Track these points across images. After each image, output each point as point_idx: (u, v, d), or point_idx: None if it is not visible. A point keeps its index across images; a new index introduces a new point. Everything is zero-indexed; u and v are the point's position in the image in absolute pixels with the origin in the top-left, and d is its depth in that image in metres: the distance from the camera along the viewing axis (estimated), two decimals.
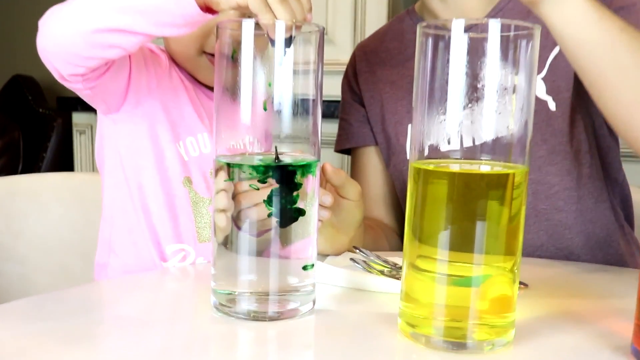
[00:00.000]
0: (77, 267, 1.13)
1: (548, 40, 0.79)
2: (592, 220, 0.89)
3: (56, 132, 2.23)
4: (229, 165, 0.56)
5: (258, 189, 0.54)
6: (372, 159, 1.04)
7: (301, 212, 0.56)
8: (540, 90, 0.88)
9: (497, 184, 0.50)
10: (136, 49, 0.71)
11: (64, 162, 2.25)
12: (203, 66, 0.87)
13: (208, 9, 0.65)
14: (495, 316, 0.51)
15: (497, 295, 0.51)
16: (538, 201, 0.88)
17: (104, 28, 0.67)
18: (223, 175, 0.56)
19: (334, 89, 1.14)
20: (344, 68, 1.09)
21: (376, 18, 1.79)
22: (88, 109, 2.15)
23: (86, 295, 0.65)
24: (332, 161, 0.74)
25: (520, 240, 0.51)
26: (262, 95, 0.55)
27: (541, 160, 0.88)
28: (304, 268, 0.57)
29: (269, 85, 0.54)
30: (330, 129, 1.07)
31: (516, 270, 0.51)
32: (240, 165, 0.56)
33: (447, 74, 0.49)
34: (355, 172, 1.07)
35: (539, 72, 0.88)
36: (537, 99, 0.86)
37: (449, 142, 0.50)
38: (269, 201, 0.55)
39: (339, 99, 1.09)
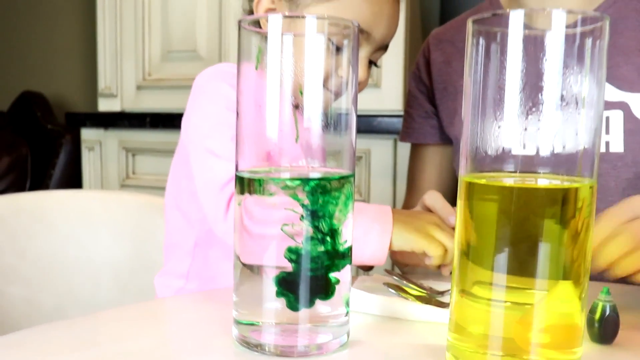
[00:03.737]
0: (84, 289, 1.07)
1: None
2: None
3: (64, 149, 2.19)
4: (250, 180, 0.50)
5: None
6: (430, 158, 1.00)
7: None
8: None
9: (563, 199, 0.44)
10: None
11: (72, 179, 2.20)
12: None
13: None
14: (559, 352, 0.45)
15: (562, 326, 0.44)
16: None
17: None
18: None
19: None
20: None
21: None
22: (97, 125, 2.13)
23: (91, 326, 0.58)
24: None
25: (589, 263, 0.45)
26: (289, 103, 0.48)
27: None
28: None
29: (300, 93, 0.48)
30: None
31: (584, 297, 0.45)
32: (259, 182, 0.49)
33: (504, 75, 0.43)
34: (413, 166, 1.03)
35: None
36: None
37: (505, 153, 0.44)
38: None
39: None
